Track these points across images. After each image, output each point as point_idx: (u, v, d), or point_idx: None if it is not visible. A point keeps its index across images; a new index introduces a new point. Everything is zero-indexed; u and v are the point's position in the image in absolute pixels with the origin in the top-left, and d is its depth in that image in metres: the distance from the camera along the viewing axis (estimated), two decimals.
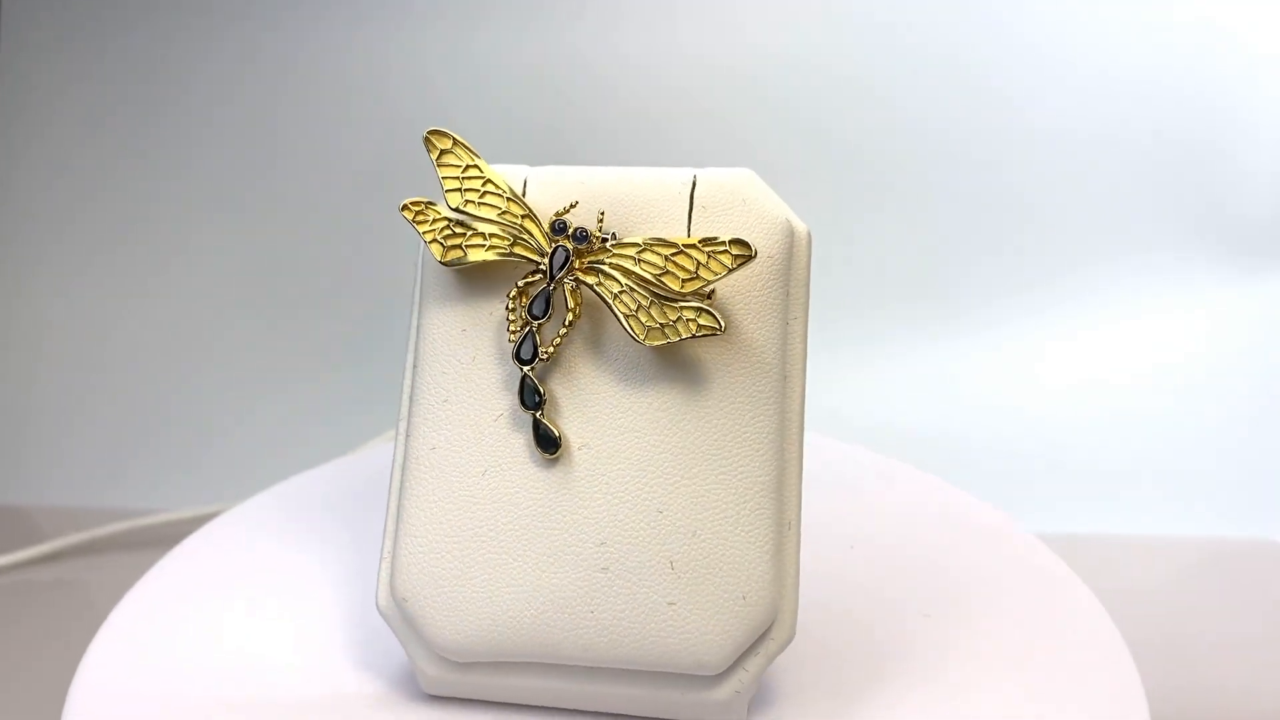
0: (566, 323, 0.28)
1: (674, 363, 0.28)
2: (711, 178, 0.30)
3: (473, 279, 0.30)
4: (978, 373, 0.67)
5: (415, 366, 0.30)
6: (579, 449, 0.28)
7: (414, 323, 0.31)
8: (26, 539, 0.55)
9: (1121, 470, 0.60)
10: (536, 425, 0.28)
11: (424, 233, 0.29)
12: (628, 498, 0.28)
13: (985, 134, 0.69)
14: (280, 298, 0.72)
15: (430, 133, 0.30)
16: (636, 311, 0.28)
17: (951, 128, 0.70)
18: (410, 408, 0.30)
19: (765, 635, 0.27)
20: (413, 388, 0.30)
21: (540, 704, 0.29)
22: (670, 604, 0.27)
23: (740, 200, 0.30)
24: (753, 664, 0.28)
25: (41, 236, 0.72)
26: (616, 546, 0.28)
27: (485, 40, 0.70)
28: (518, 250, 0.29)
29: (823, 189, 0.71)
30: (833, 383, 0.67)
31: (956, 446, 0.63)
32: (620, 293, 0.28)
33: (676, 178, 0.30)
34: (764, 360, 0.28)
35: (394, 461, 0.30)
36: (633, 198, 0.30)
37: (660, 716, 0.28)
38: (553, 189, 0.30)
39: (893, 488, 0.44)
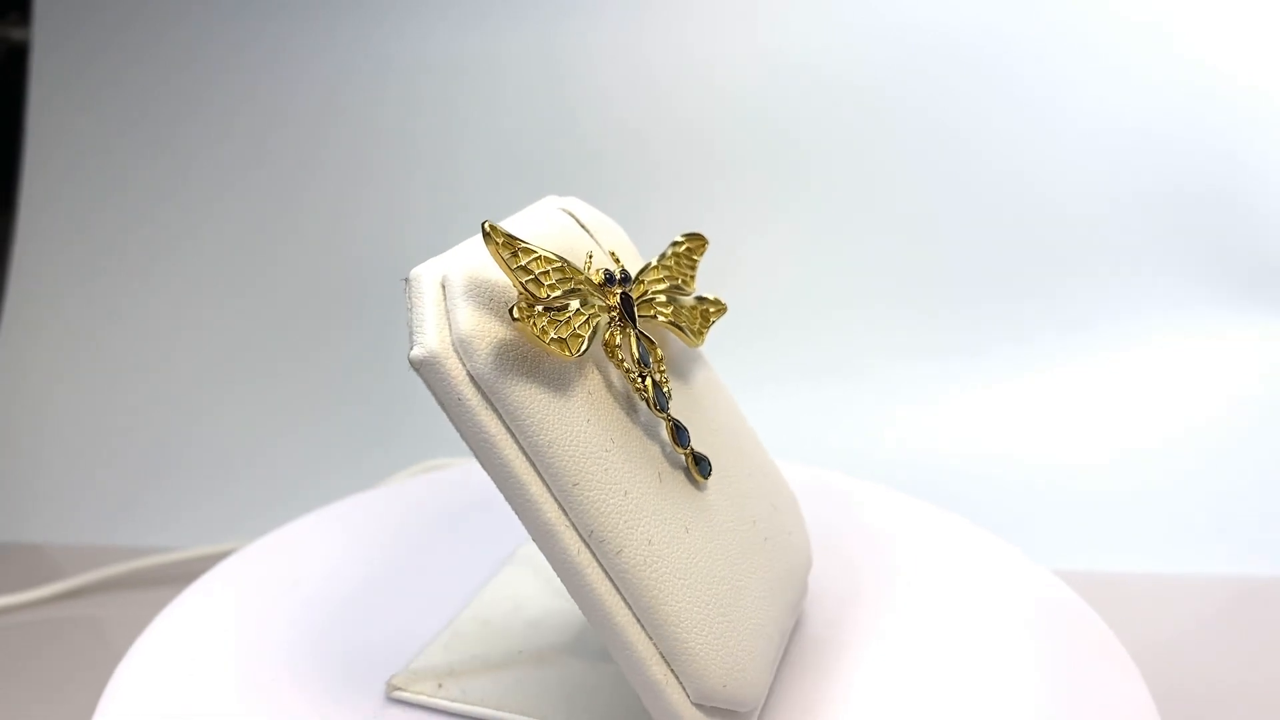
0: (658, 358, 0.28)
1: (694, 353, 0.31)
2: (571, 208, 0.32)
3: (543, 370, 0.26)
4: (997, 409, 0.66)
5: (574, 485, 0.25)
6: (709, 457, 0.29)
7: (507, 455, 0.25)
8: (44, 576, 0.54)
9: (1139, 507, 0.59)
10: (695, 457, 0.28)
11: (539, 334, 0.24)
12: (740, 476, 0.31)
13: (1004, 175, 0.69)
14: (296, 334, 0.72)
15: (489, 227, 0.24)
16: (691, 323, 0.30)
17: (969, 166, 0.70)
18: (590, 528, 0.25)
19: None
20: (571, 510, 0.25)
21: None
22: (789, 533, 0.32)
23: (599, 218, 0.32)
24: None
25: (59, 277, 0.73)
26: (760, 518, 0.31)
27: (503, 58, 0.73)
28: (602, 314, 0.27)
29: (832, 232, 0.71)
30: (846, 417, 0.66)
31: (976, 484, 0.60)
32: (676, 311, 0.29)
33: (559, 214, 0.31)
34: None
35: (588, 589, 0.25)
36: (559, 240, 0.29)
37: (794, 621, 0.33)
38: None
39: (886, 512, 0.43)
